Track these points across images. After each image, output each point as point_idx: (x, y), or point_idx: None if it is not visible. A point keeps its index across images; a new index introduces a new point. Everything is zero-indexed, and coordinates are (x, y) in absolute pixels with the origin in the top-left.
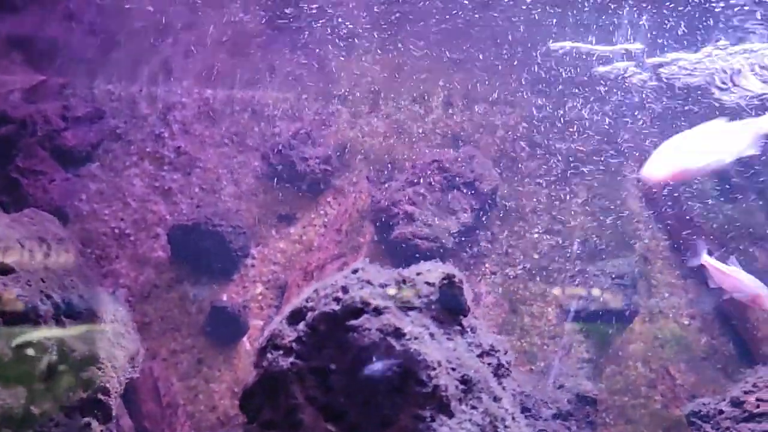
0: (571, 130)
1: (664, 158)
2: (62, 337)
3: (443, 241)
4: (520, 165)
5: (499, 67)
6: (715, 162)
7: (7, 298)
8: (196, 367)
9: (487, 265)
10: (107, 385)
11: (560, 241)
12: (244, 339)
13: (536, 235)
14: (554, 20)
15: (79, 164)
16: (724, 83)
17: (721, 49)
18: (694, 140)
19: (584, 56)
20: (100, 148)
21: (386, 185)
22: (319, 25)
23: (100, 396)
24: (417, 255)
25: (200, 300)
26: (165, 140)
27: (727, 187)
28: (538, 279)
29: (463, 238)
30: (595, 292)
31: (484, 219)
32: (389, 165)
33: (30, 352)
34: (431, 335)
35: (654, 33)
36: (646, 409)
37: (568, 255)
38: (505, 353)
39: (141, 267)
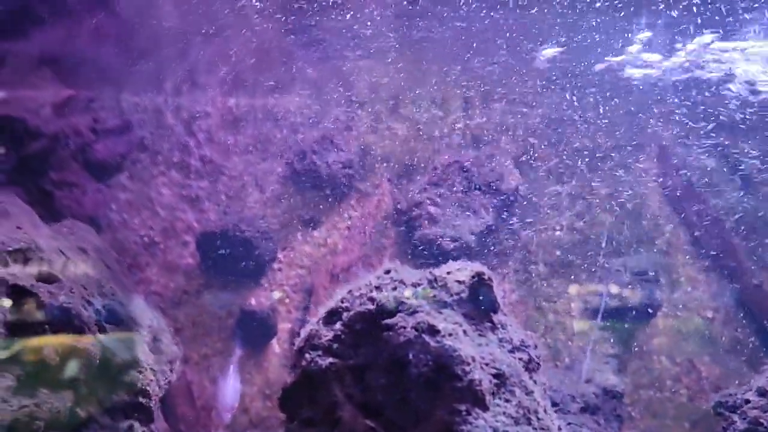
0: (590, 128)
1: None
2: (104, 343)
3: (466, 240)
4: (540, 164)
5: (517, 68)
6: None
7: (28, 307)
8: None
9: (510, 263)
10: (147, 388)
11: (582, 238)
12: (273, 342)
13: (558, 233)
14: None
15: (110, 175)
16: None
17: None
18: None
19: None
20: (128, 158)
21: (408, 187)
22: (339, 32)
23: (141, 399)
24: (441, 255)
25: (229, 305)
26: (191, 149)
27: (745, 180)
28: (561, 276)
29: (485, 238)
30: (618, 288)
31: (506, 218)
32: (411, 167)
33: (75, 357)
34: (464, 332)
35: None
36: (671, 403)
37: (590, 251)
38: (535, 348)
39: (171, 274)
